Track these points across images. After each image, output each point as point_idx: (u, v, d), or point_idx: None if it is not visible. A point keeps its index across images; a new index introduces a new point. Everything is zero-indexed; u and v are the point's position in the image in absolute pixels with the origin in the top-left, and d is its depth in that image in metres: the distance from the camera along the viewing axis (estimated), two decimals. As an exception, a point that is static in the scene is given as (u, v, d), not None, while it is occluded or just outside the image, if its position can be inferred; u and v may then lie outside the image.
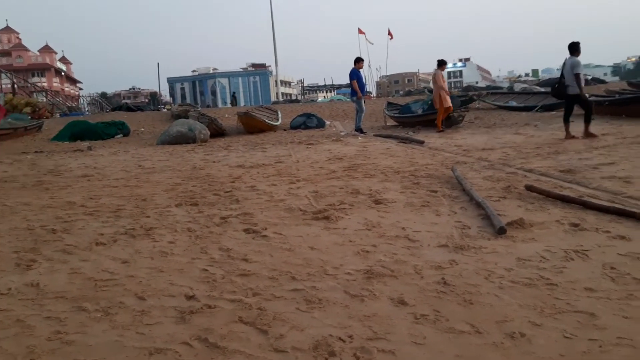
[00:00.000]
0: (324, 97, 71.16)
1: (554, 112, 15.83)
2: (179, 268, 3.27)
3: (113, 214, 4.82)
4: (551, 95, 11.09)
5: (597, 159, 6.44)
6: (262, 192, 5.54)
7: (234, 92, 54.58)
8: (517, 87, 31.49)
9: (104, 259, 3.51)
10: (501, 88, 39.03)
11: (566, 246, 3.26)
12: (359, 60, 13.28)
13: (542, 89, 27.10)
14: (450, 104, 12.26)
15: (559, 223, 3.77)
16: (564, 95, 9.01)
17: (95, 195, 5.80)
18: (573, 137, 8.61)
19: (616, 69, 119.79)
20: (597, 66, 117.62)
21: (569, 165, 6.08)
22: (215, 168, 7.66)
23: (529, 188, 4.71)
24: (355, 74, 13.10)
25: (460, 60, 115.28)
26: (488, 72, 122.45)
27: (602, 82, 41.90)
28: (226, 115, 20.66)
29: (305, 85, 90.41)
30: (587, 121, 8.70)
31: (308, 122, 16.23)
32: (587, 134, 8.62)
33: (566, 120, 8.87)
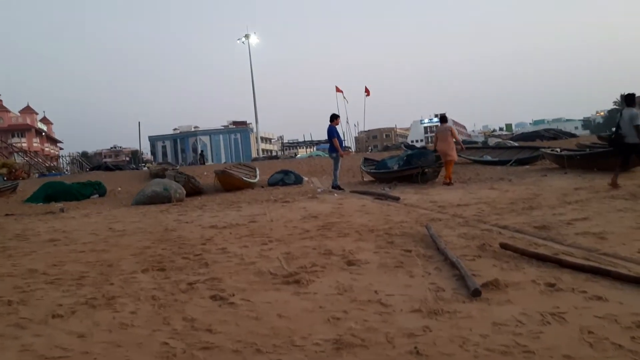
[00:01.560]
0: (298, 152, 72.00)
1: (527, 166, 16.12)
2: (137, 342, 3.07)
3: (75, 282, 4.59)
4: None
5: (570, 214, 6.45)
6: (232, 254, 5.37)
7: (202, 150, 55.14)
8: (492, 141, 32.22)
9: (58, 333, 3.29)
10: (476, 142, 39.81)
11: (542, 309, 3.16)
12: (335, 117, 13.35)
13: (516, 143, 27.75)
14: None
15: (534, 283, 3.68)
16: (622, 144, 9.26)
17: (60, 262, 5.56)
18: (618, 186, 8.77)
19: (586, 123, 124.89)
20: (568, 120, 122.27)
21: (543, 221, 6.05)
22: (187, 229, 7.48)
23: (504, 246, 4.64)
24: (334, 131, 13.18)
25: (436, 115, 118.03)
26: (464, 127, 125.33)
27: (574, 135, 43.06)
28: (205, 173, 20.57)
29: (285, 141, 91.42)
30: (622, 168, 9.17)
31: (286, 178, 16.21)
32: (613, 184, 8.88)
33: (623, 169, 9.27)
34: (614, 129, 9.77)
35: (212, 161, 65.87)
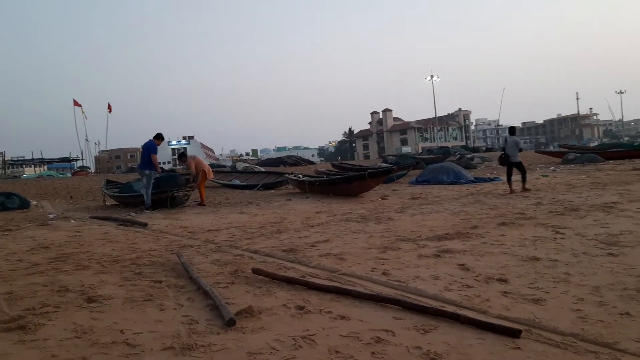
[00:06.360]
0: (25, 172, 63.76)
1: (273, 191, 17.07)
2: None
3: None
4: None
5: (314, 236, 6.93)
6: None
7: None
8: (240, 166, 33.38)
9: None
10: (225, 166, 40.79)
11: (294, 333, 3.22)
12: (159, 137, 12.97)
13: (263, 169, 29.26)
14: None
15: (285, 307, 3.76)
16: (509, 162, 12.64)
17: None
18: (514, 191, 12.01)
19: (321, 151, 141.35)
20: (306, 148, 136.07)
21: (290, 244, 6.36)
22: None
23: (256, 271, 4.68)
24: (155, 148, 12.62)
25: (185, 137, 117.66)
26: (212, 150, 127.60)
27: (312, 163, 47.70)
28: None
29: (8, 158, 79.04)
30: (524, 180, 12.45)
31: (7, 202, 13.95)
32: (524, 189, 12.12)
33: (509, 180, 12.49)
34: (501, 153, 13.34)
35: None
